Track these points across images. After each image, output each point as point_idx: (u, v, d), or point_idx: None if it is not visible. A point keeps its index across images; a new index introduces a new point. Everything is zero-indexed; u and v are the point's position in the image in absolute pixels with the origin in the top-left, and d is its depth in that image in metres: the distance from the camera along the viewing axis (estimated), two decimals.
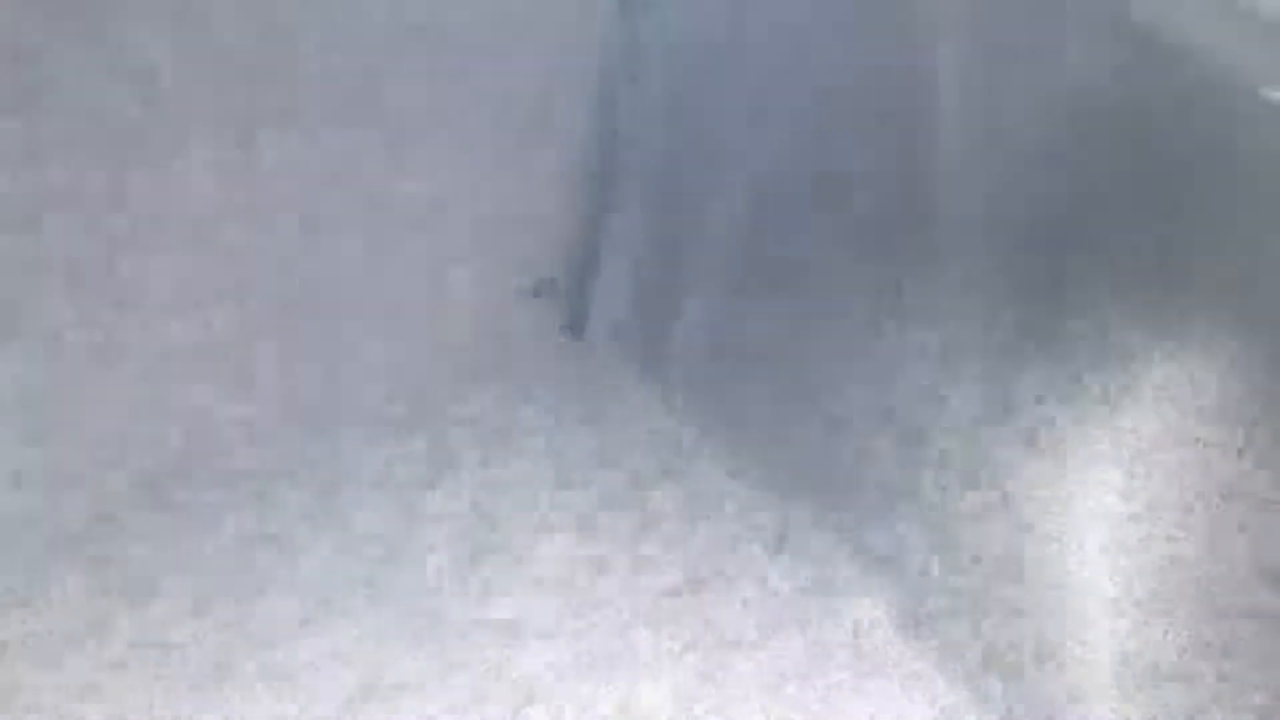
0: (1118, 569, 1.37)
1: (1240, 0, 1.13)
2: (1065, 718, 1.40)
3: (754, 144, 1.70)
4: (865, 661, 1.52)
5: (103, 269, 1.51)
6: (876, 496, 1.61)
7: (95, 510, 1.57)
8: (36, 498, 1.54)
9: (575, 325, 1.98)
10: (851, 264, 1.62)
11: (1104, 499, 1.37)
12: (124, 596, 1.49)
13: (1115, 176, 1.34)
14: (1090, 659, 1.38)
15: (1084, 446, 1.38)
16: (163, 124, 1.48)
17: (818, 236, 1.67)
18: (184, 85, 1.46)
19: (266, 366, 1.71)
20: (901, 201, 1.53)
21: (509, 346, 1.94)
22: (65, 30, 1.36)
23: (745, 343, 1.79)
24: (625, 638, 1.52)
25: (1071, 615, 1.40)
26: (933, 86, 1.47)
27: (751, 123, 1.71)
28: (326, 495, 1.66)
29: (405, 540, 1.62)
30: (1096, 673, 1.38)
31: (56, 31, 1.33)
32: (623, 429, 1.85)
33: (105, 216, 1.48)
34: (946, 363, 1.51)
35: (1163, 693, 1.34)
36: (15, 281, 1.46)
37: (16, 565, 1.48)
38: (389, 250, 1.76)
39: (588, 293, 1.96)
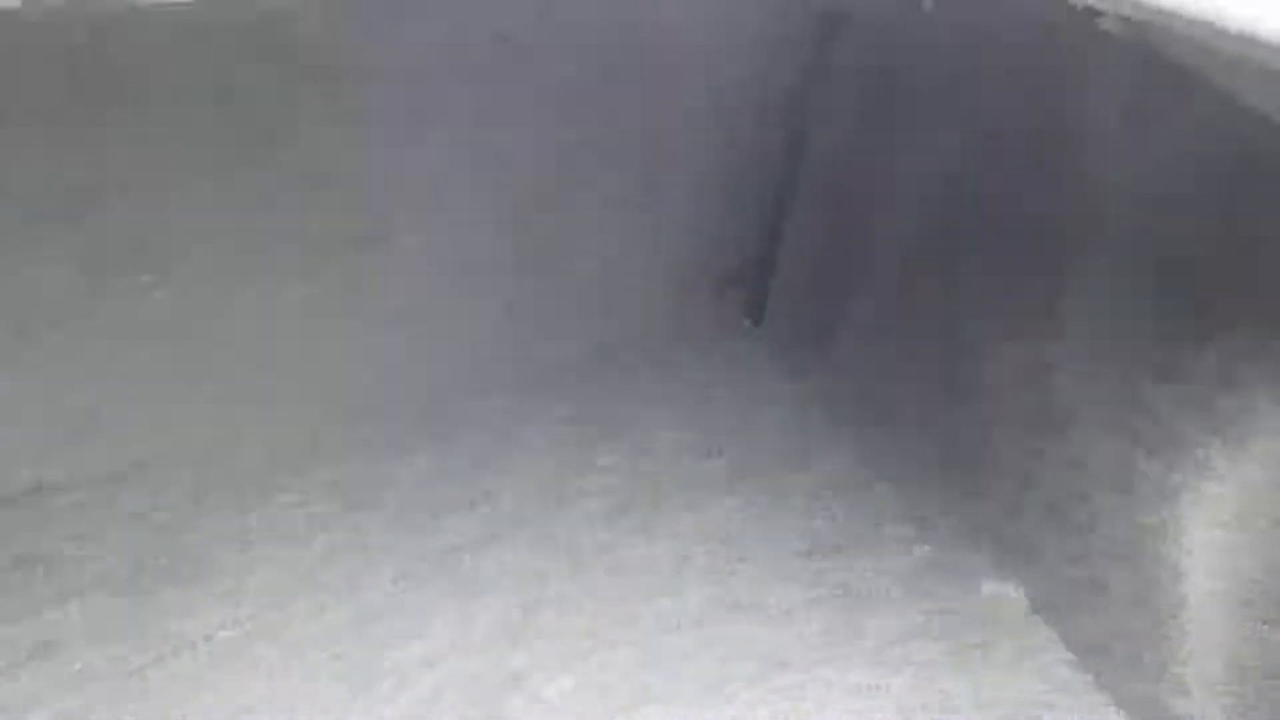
0: (1237, 570, 1.45)
1: None
2: (1172, 707, 1.49)
3: (922, 162, 1.85)
4: (989, 630, 1.65)
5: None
6: (1011, 488, 1.73)
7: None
8: None
9: (755, 313, 2.19)
10: (1003, 275, 1.74)
11: (1228, 504, 1.46)
12: None
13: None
14: (1202, 653, 1.47)
15: (1208, 455, 1.47)
16: (419, 114, 1.74)
17: (976, 248, 1.80)
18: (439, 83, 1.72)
19: (487, 324, 1.99)
20: (1056, 219, 1.64)
21: (697, 327, 2.16)
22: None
23: (901, 338, 1.94)
24: (766, 587, 1.71)
25: (1188, 610, 1.49)
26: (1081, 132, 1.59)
27: (922, 143, 1.86)
28: (506, 440, 1.93)
29: (577, 488, 1.86)
30: (1207, 667, 1.47)
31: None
32: (784, 405, 2.05)
33: (381, 193, 1.76)
34: (1086, 370, 1.61)
35: (1268, 689, 1.42)
36: None
37: None
38: (599, 229, 1.99)
39: (768, 286, 2.17)
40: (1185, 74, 1.29)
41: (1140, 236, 1.53)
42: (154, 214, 1.59)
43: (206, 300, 1.70)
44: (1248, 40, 0.92)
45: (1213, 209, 1.43)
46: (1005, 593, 1.70)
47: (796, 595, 1.68)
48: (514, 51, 1.70)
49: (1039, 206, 1.66)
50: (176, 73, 1.50)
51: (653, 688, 1.54)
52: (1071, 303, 1.63)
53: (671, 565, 1.72)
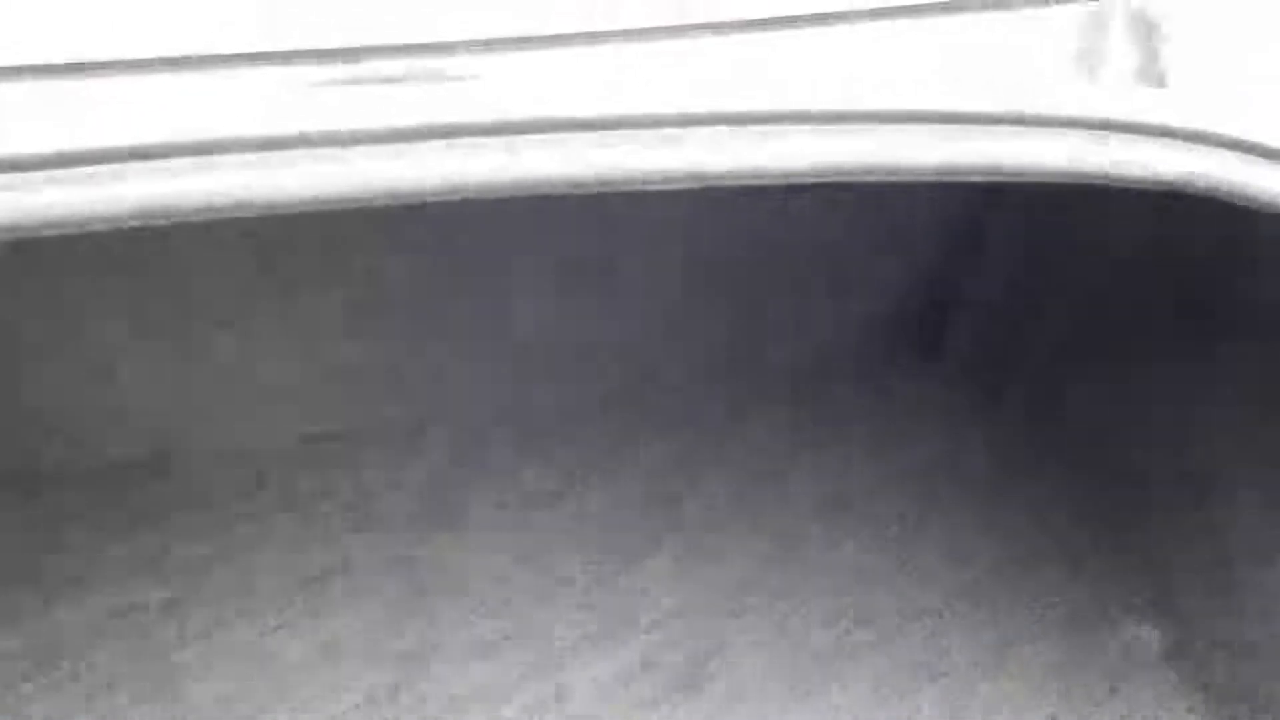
0: None
1: None
2: None
3: (1098, 211, 1.93)
4: (1127, 665, 1.75)
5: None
6: (1163, 536, 1.81)
7: None
8: None
9: (931, 348, 2.31)
10: (1172, 327, 1.82)
11: None
12: None
13: None
14: None
15: None
16: None
17: (1149, 299, 1.87)
18: None
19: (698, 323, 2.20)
20: (1223, 276, 1.71)
21: (877, 357, 2.31)
22: None
23: (1071, 380, 2.04)
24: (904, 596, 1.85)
25: None
26: None
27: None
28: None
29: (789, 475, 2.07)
30: None
31: None
32: (951, 436, 2.18)
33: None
34: (1248, 429, 1.68)
35: None
36: None
37: None
38: (787, 260, 2.15)
39: (944, 323, 2.29)
40: None
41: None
42: None
43: None
44: None
45: None
46: (1145, 634, 1.79)
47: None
48: None
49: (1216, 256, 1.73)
50: None
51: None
52: (1243, 352, 1.70)
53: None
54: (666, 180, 0.92)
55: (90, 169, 0.84)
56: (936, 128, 0.97)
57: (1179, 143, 0.98)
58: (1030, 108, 0.99)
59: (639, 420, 2.14)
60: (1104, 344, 1.97)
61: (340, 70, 0.96)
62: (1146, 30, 1.12)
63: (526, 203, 0.99)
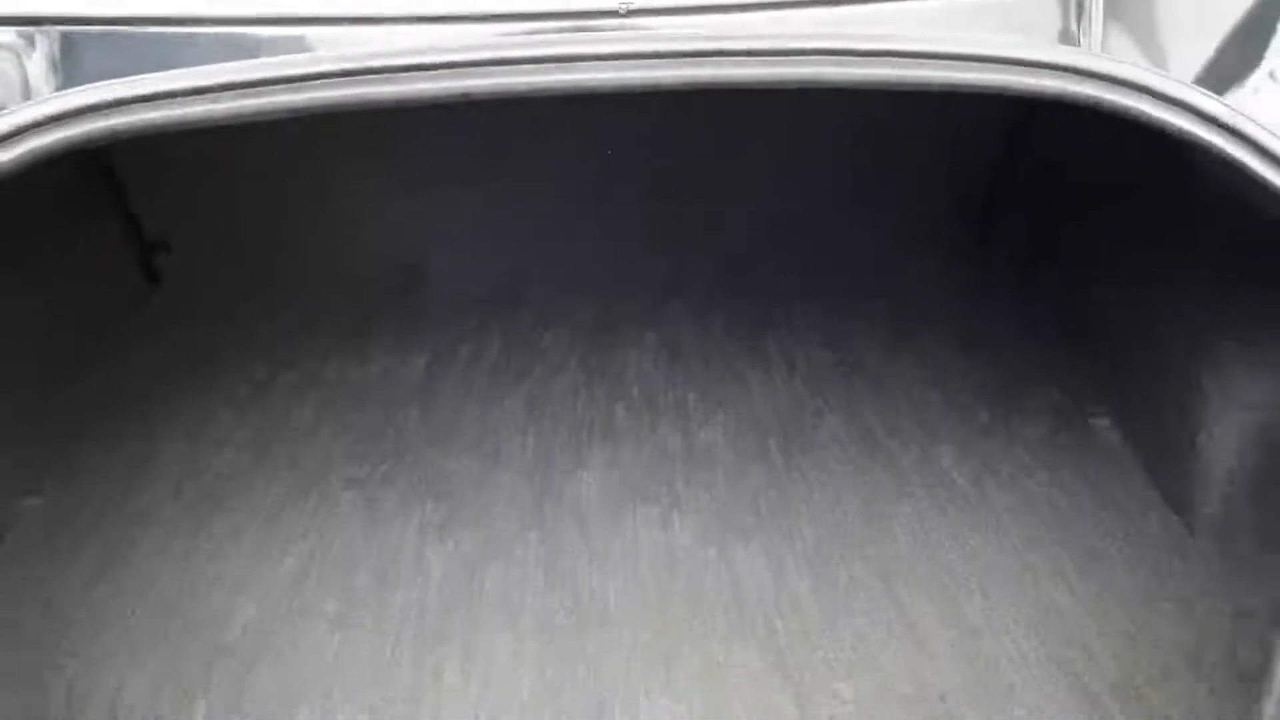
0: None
1: None
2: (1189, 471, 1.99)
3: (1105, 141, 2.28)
4: (1093, 451, 2.24)
5: None
6: (1124, 357, 2.28)
7: None
8: None
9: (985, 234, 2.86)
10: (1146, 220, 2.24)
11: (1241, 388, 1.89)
12: None
13: None
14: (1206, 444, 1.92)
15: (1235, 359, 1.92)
16: None
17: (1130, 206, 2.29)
18: None
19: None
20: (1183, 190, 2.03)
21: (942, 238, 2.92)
22: None
23: (1082, 259, 2.54)
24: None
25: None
26: None
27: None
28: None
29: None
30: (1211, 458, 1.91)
31: None
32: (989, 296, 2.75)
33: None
34: (1194, 292, 2.06)
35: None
36: None
37: None
38: None
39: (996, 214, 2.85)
40: None
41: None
42: None
43: None
44: None
45: None
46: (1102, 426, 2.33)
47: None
48: None
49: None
50: None
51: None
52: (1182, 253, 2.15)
53: None
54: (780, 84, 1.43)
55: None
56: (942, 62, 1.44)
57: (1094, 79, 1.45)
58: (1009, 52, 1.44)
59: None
60: (1107, 236, 2.43)
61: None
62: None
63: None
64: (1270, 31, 1.63)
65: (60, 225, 2.36)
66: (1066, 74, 1.40)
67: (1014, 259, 2.77)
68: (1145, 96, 1.40)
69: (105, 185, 2.56)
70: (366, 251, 2.82)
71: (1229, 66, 1.64)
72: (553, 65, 1.41)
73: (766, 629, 1.85)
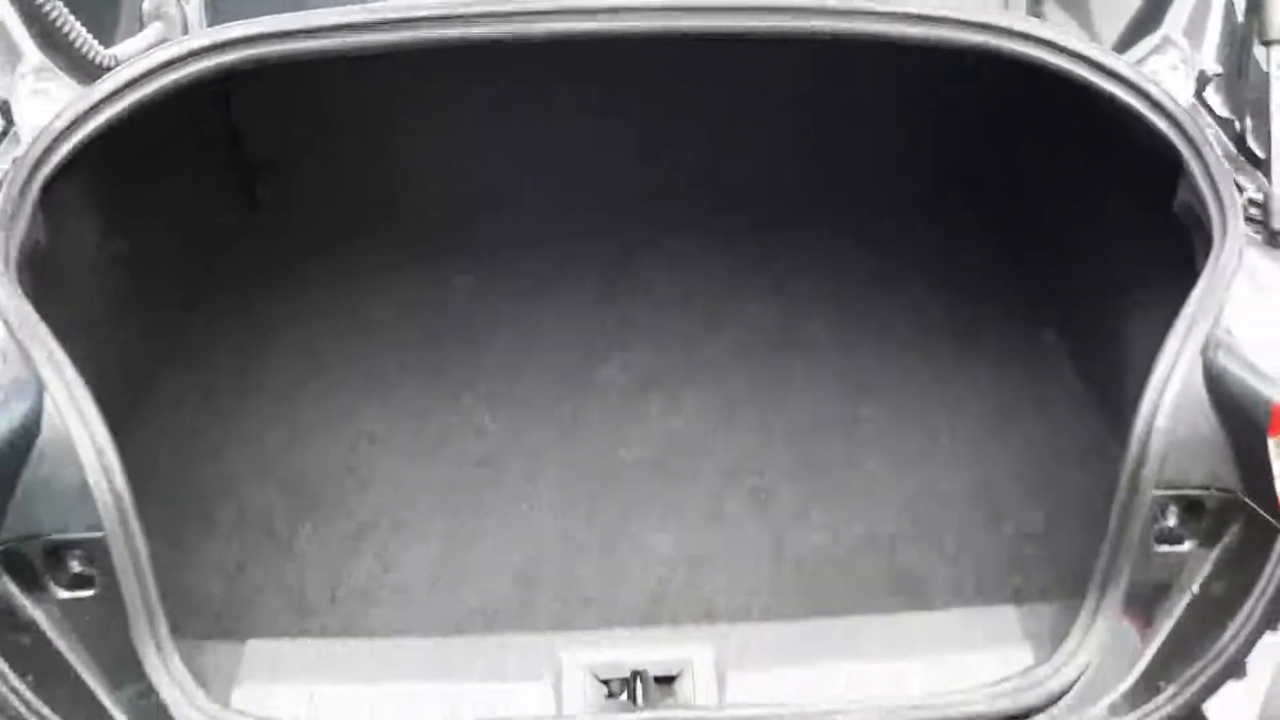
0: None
1: None
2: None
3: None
4: (1040, 363, 2.63)
5: None
6: (1068, 276, 2.65)
7: None
8: None
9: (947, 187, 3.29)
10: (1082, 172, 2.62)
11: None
12: None
13: None
14: None
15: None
16: None
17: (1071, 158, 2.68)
18: None
19: None
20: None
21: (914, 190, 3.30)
22: None
23: (1034, 204, 2.97)
24: None
25: None
26: None
27: None
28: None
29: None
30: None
31: None
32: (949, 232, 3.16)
33: None
34: (1122, 223, 2.42)
35: None
36: None
37: None
38: None
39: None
40: None
41: None
42: None
43: None
44: None
45: None
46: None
47: None
48: None
49: None
50: None
51: None
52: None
53: None
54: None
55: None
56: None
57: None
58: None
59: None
60: (1054, 183, 2.82)
61: None
62: None
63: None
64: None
65: (177, 148, 2.77)
66: (990, 31, 1.80)
67: (980, 209, 3.19)
68: (1052, 50, 1.79)
69: (219, 114, 3.00)
70: (434, 187, 3.26)
71: (1134, 34, 2.05)
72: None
73: (753, 484, 2.34)
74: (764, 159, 3.22)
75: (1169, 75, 1.98)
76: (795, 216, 3.16)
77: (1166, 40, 2.01)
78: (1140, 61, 2.00)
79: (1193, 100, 2.01)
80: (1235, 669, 1.63)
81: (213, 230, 3.01)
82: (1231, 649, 1.62)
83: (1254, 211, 1.80)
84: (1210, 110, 2.04)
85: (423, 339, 2.79)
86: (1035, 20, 1.90)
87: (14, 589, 1.59)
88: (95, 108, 1.71)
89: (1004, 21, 1.82)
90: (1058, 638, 1.74)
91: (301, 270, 2.96)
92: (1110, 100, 1.81)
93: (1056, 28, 1.88)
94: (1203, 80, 2.02)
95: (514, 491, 2.35)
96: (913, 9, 1.78)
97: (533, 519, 2.28)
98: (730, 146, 3.21)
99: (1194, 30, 2.08)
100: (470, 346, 2.77)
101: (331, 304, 2.89)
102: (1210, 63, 2.06)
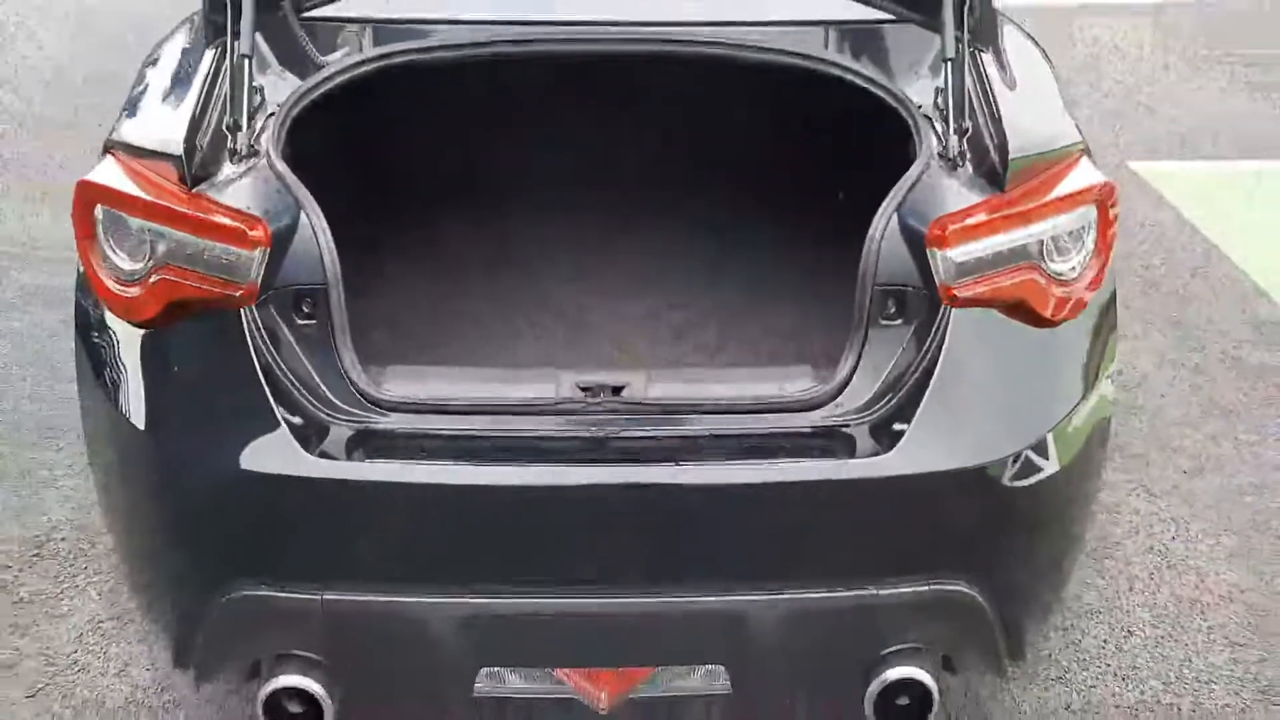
0: None
1: None
2: None
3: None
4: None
5: None
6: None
7: None
8: None
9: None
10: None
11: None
12: None
13: None
14: None
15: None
16: None
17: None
18: None
19: None
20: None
21: None
22: None
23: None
24: None
25: None
26: None
27: None
28: None
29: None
30: None
31: None
32: None
33: None
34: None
35: None
36: None
37: None
38: None
39: None
40: None
41: None
42: None
43: None
44: None
45: None
46: None
47: None
48: None
49: None
50: None
51: None
52: None
53: None
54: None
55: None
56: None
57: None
58: None
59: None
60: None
61: None
62: None
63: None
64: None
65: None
66: (823, 62, 3.23)
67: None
68: (844, 70, 3.25)
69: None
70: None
71: None
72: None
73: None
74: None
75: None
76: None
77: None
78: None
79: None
80: (924, 382, 2.82)
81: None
82: (919, 372, 2.64)
83: (941, 149, 3.06)
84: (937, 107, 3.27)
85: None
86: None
87: (278, 318, 2.62)
88: (316, 85, 3.12)
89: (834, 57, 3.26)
90: (832, 374, 2.69)
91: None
92: (867, 93, 3.06)
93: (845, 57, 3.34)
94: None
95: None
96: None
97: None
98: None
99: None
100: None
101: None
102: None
